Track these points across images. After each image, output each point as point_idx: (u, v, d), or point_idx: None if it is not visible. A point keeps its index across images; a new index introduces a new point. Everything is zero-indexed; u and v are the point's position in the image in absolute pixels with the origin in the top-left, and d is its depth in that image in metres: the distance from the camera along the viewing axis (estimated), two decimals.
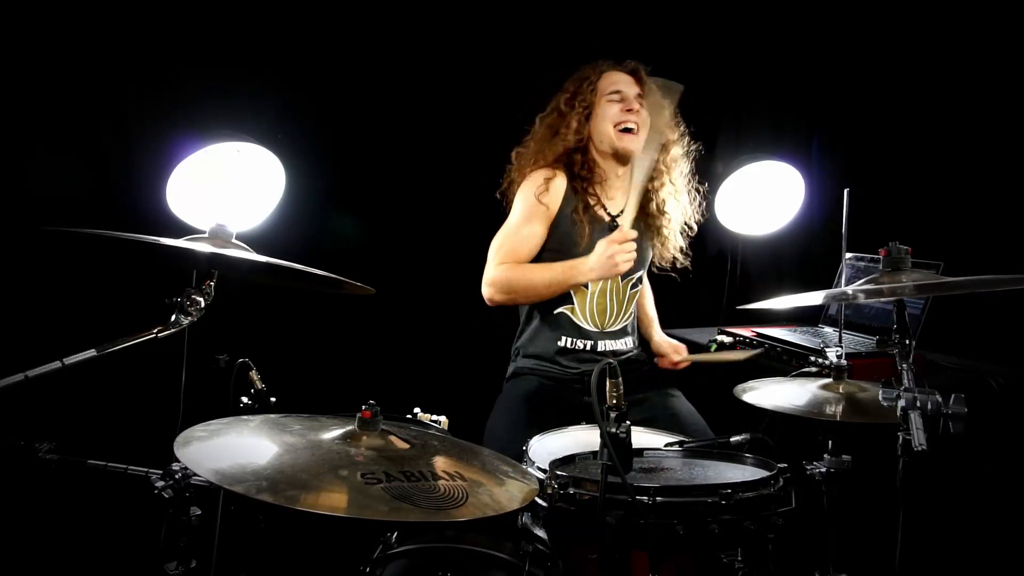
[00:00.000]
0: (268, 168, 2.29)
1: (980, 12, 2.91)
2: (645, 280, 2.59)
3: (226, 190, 2.22)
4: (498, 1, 3.13)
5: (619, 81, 2.36)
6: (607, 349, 2.41)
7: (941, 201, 3.00)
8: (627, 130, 2.32)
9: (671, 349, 2.55)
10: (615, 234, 2.14)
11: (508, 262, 2.30)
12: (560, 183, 2.35)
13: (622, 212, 2.41)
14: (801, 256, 3.55)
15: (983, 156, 2.95)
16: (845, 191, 2.23)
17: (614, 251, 2.12)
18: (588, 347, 2.40)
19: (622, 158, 2.37)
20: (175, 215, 2.16)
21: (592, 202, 2.38)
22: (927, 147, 3.10)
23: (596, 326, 2.40)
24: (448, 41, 3.07)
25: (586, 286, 2.36)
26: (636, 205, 2.22)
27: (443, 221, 3.10)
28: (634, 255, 2.16)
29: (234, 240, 1.56)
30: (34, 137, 2.47)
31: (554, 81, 2.50)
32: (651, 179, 2.39)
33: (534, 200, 2.33)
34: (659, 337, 2.62)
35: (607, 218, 2.40)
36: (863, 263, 2.99)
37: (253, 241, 1.60)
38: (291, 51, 2.85)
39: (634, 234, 2.16)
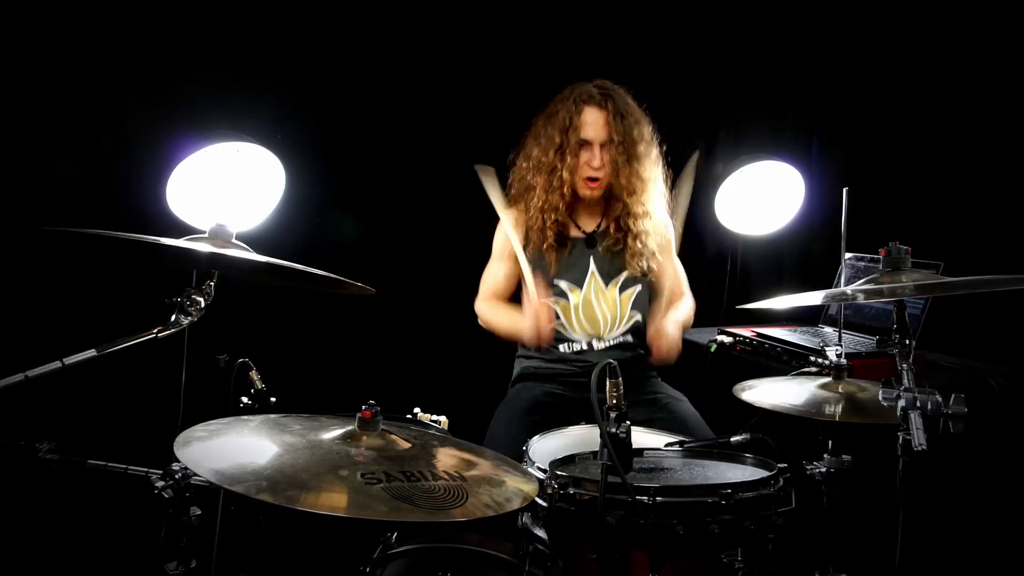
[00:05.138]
0: (268, 168, 2.29)
1: (980, 12, 2.91)
2: (686, 301, 2.51)
3: (226, 190, 2.22)
4: (500, 2, 3.13)
5: (590, 124, 2.34)
6: (604, 347, 2.41)
7: (941, 201, 3.00)
8: (591, 179, 2.37)
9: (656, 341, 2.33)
10: (539, 308, 2.24)
11: (487, 296, 2.52)
12: (520, 215, 2.46)
13: (597, 228, 2.47)
14: (801, 256, 3.55)
15: (983, 156, 2.95)
16: (844, 190, 2.23)
17: (533, 321, 2.24)
18: (584, 347, 2.42)
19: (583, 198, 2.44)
20: (175, 215, 2.16)
21: (567, 227, 2.45)
22: (927, 147, 3.10)
23: (591, 335, 2.42)
24: (449, 41, 3.07)
25: (568, 300, 2.41)
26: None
27: (443, 221, 3.10)
28: (551, 325, 2.26)
29: (234, 240, 1.56)
30: (34, 137, 2.47)
31: (554, 83, 2.50)
32: (627, 196, 2.41)
33: (498, 241, 2.52)
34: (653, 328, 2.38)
35: (582, 235, 2.47)
36: (863, 263, 2.99)
37: (253, 241, 1.60)
38: (291, 51, 2.85)
39: (548, 306, 2.28)
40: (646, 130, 2.41)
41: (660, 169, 2.46)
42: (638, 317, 2.47)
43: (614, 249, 2.44)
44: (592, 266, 2.43)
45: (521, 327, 2.29)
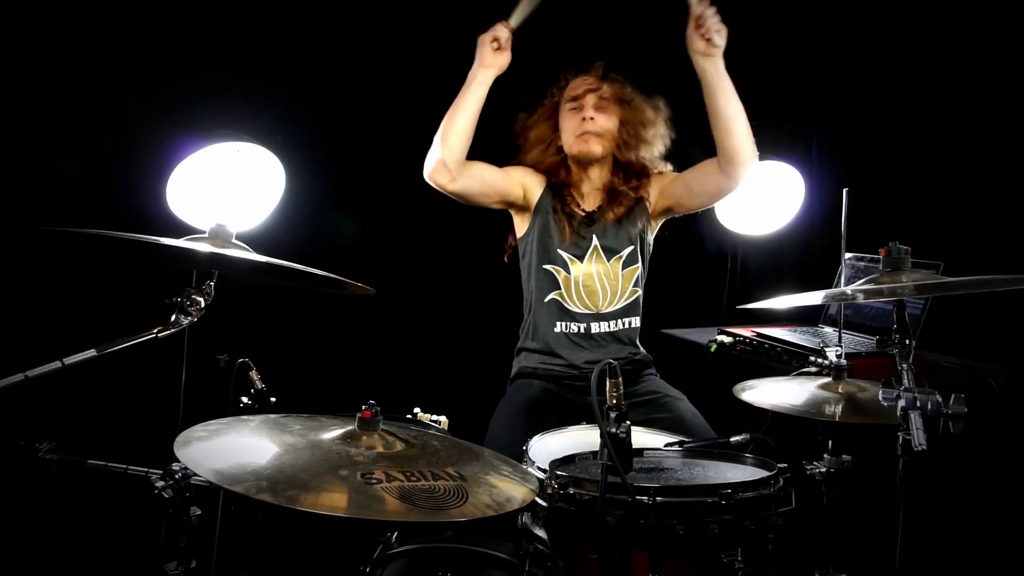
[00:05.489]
0: (268, 168, 2.29)
1: (980, 12, 2.91)
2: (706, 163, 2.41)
3: (226, 190, 2.22)
4: (498, 3, 3.13)
5: (578, 87, 2.44)
6: (602, 331, 2.41)
7: (941, 201, 3.00)
8: (585, 134, 2.39)
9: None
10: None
11: None
12: (539, 179, 2.49)
13: (598, 209, 2.46)
14: (801, 256, 3.55)
15: (983, 156, 2.95)
16: (844, 191, 2.23)
17: (482, 42, 2.25)
18: (582, 330, 2.40)
19: (584, 162, 2.44)
20: (175, 215, 2.16)
21: (568, 200, 2.47)
22: (927, 147, 3.10)
23: (588, 308, 2.42)
24: (448, 41, 3.07)
25: (568, 271, 2.40)
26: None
27: (443, 221, 3.10)
28: (501, 42, 2.27)
29: (234, 240, 1.56)
30: (34, 137, 2.47)
31: (554, 83, 2.50)
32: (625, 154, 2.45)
33: (511, 170, 2.46)
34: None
35: (583, 214, 2.47)
36: (863, 263, 2.99)
37: (253, 241, 1.60)
38: (291, 52, 2.85)
39: (504, 32, 2.27)
40: (639, 97, 2.46)
41: (664, 132, 2.49)
42: (639, 294, 2.47)
43: (618, 223, 2.43)
44: (595, 240, 2.42)
45: (471, 79, 2.28)
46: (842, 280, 2.72)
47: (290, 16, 2.84)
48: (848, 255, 2.77)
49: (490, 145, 2.56)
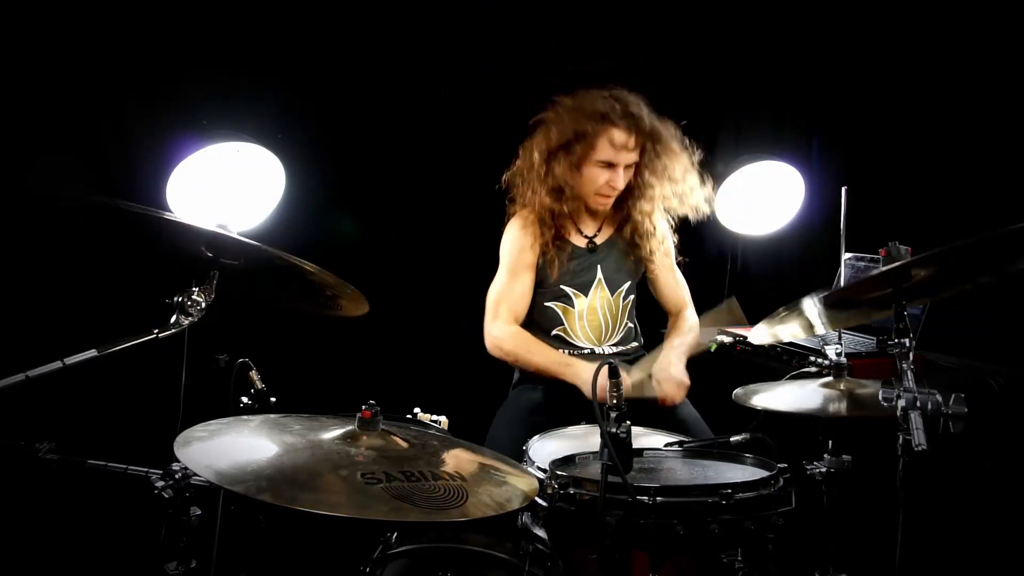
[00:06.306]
0: (268, 168, 2.29)
1: (980, 12, 2.91)
2: (690, 316, 2.51)
3: (226, 190, 2.23)
4: (500, 3, 3.14)
5: (617, 145, 2.27)
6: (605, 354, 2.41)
7: (941, 201, 3.00)
8: (605, 195, 2.36)
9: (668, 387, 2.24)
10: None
11: (508, 319, 2.34)
12: (534, 226, 2.40)
13: (599, 233, 2.45)
14: (801, 256, 3.54)
15: (983, 156, 2.94)
16: (844, 190, 2.23)
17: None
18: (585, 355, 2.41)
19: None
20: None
21: (567, 230, 2.43)
22: (927, 147, 3.09)
23: (592, 342, 2.42)
24: (448, 40, 3.07)
25: (572, 306, 2.40)
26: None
27: (443, 221, 3.10)
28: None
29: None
30: (34, 137, 2.47)
31: (554, 83, 2.50)
32: (635, 207, 2.42)
33: (516, 253, 2.39)
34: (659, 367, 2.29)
35: (584, 242, 2.44)
36: (863, 263, 2.99)
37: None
38: (291, 51, 2.85)
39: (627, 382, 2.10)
40: (673, 144, 2.36)
41: (687, 171, 2.40)
42: (631, 325, 2.49)
43: (621, 257, 2.45)
44: (600, 274, 2.42)
45: (567, 368, 2.22)
46: (842, 280, 2.71)
47: (290, 16, 2.84)
48: (848, 255, 2.77)
49: (493, 143, 2.57)
